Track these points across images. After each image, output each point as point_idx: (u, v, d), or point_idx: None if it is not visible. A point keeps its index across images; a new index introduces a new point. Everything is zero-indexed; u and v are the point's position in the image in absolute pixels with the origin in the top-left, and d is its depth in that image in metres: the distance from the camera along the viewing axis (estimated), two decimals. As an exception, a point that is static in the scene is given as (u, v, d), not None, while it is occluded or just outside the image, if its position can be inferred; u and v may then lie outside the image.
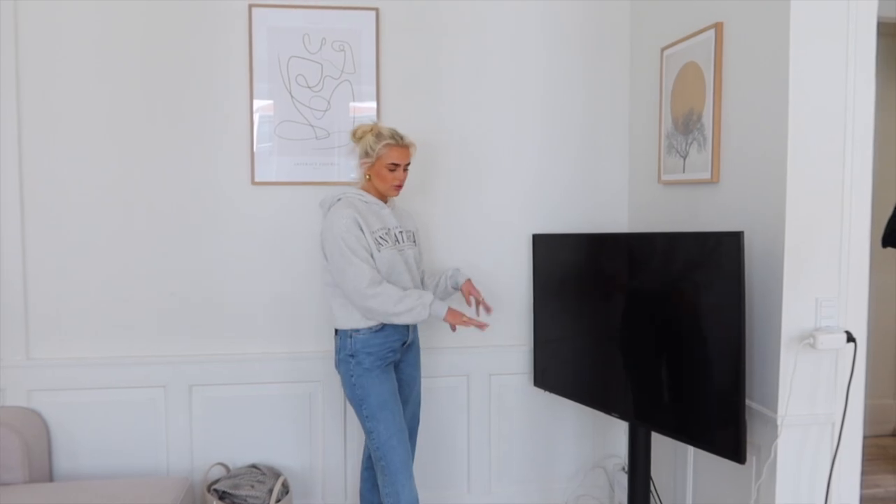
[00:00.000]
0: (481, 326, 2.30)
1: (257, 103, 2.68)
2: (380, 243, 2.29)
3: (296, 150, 2.71)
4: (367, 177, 2.37)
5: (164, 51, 2.64)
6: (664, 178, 2.58)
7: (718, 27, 2.22)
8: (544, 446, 2.97)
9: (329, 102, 2.71)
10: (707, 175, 2.28)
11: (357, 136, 2.38)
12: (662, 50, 2.57)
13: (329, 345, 2.74)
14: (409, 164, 2.39)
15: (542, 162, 2.88)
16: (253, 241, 2.73)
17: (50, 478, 2.65)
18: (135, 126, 2.65)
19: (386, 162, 2.33)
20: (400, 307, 2.22)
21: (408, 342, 2.42)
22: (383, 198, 2.42)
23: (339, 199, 2.34)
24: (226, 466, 2.71)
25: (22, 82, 2.58)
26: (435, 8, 2.77)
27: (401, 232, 2.40)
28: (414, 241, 2.47)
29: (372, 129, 2.35)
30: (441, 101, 2.80)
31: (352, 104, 2.73)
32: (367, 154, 2.34)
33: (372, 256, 2.27)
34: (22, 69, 2.58)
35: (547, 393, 2.84)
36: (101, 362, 2.68)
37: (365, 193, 2.37)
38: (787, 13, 1.90)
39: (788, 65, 1.90)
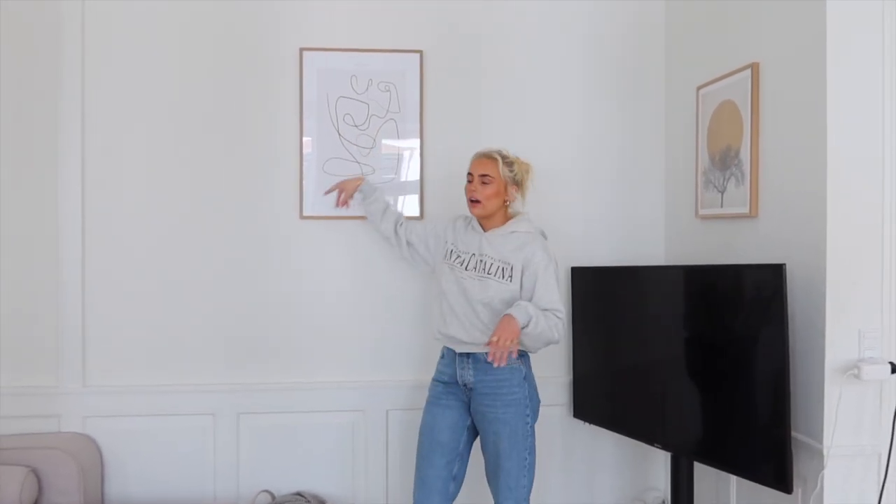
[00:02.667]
0: None
1: (306, 140, 2.81)
2: (447, 257, 2.42)
3: (343, 185, 2.82)
4: None
5: (219, 91, 2.78)
6: (702, 212, 2.63)
7: (755, 67, 2.29)
8: (583, 478, 2.98)
9: (375, 140, 2.83)
10: (745, 209, 2.33)
11: None
12: (698, 88, 2.65)
13: (372, 375, 2.84)
14: (486, 175, 2.33)
15: (578, 196, 2.94)
16: (300, 272, 2.83)
17: (102, 502, 2.72)
18: (190, 162, 2.78)
19: (467, 174, 2.42)
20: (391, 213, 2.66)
21: (461, 383, 2.35)
22: (489, 225, 2.40)
23: None
24: (271, 494, 2.76)
25: (87, 119, 2.73)
26: (476, 50, 2.88)
27: (482, 261, 2.33)
28: (504, 276, 2.29)
29: None
30: (482, 138, 2.86)
31: (395, 142, 2.84)
32: None
33: (425, 260, 2.56)
34: (87, 110, 2.73)
35: (585, 424, 2.87)
36: (153, 390, 2.77)
37: (475, 219, 2.44)
38: (824, 53, 1.97)
39: (826, 102, 1.96)
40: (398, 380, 2.86)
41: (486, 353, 2.25)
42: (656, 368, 2.45)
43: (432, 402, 2.42)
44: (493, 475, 2.32)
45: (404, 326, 2.86)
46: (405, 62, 2.83)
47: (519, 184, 2.39)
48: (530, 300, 2.26)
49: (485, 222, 2.41)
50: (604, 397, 2.72)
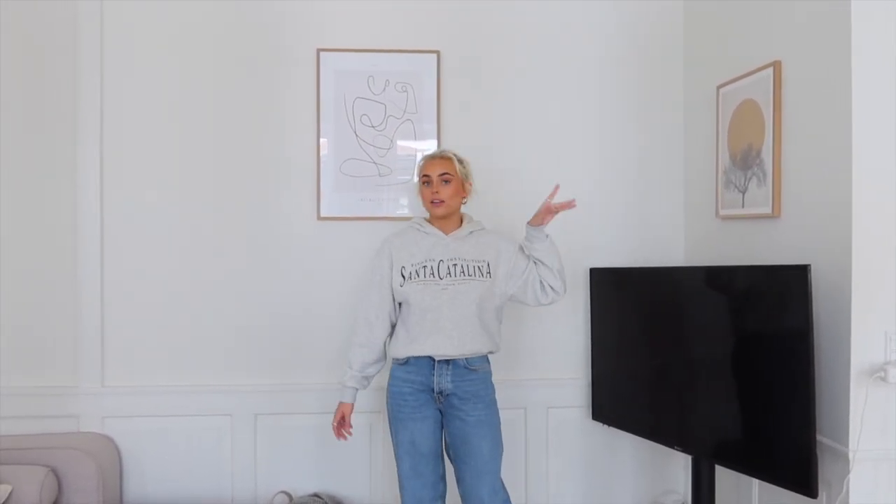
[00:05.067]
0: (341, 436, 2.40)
1: (323, 142, 2.81)
2: (409, 278, 2.29)
3: (360, 186, 2.81)
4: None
5: (236, 93, 2.79)
6: (722, 212, 2.60)
7: (777, 65, 2.26)
8: (602, 481, 2.95)
9: (392, 141, 2.82)
10: (768, 209, 2.30)
11: None
12: (718, 87, 2.62)
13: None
14: (446, 174, 2.32)
15: (596, 196, 2.92)
16: (318, 274, 2.83)
17: (120, 502, 2.74)
18: (207, 163, 2.79)
19: (420, 176, 2.36)
20: (348, 357, 2.40)
21: (437, 391, 2.31)
22: (448, 227, 2.38)
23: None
24: (289, 495, 2.76)
25: (105, 121, 2.75)
26: (493, 50, 2.87)
27: (454, 265, 2.31)
28: (483, 274, 2.32)
29: None
30: (499, 138, 2.88)
31: (412, 143, 2.83)
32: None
33: (392, 289, 2.34)
34: (105, 112, 2.75)
35: (603, 427, 2.84)
36: (171, 390, 2.78)
37: (425, 223, 2.39)
38: (848, 50, 1.94)
39: (851, 100, 1.93)
40: (415, 381, 2.85)
41: (465, 359, 2.30)
42: (676, 370, 2.43)
43: (407, 418, 2.31)
44: (476, 479, 2.29)
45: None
46: (422, 62, 2.82)
47: (470, 180, 2.40)
48: (519, 281, 2.36)
49: (444, 225, 2.37)
50: (623, 399, 2.69)
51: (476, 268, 2.33)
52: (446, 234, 2.36)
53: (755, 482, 2.41)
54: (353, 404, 2.40)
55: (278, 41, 2.80)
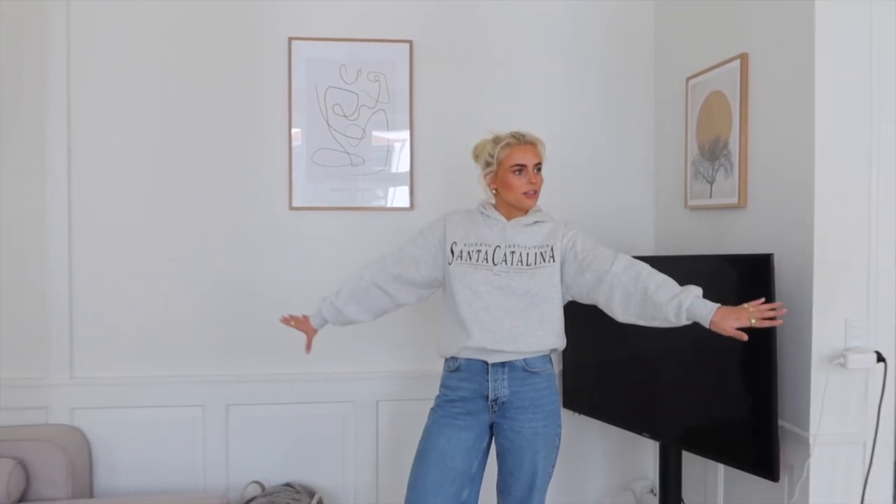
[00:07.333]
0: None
1: (295, 131, 2.79)
2: (460, 257, 2.10)
3: (332, 176, 2.80)
4: (494, 191, 2.14)
5: (207, 82, 2.76)
6: (691, 202, 2.64)
7: (744, 58, 2.30)
8: (572, 469, 2.99)
9: (364, 130, 2.82)
10: (734, 200, 2.34)
11: (476, 152, 2.19)
12: (687, 79, 2.65)
13: (360, 366, 2.83)
14: (539, 164, 2.12)
15: (567, 186, 2.93)
16: (291, 264, 2.82)
17: (90, 494, 2.71)
18: (178, 153, 2.76)
19: (508, 165, 2.07)
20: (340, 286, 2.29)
21: (490, 398, 2.07)
22: (512, 214, 2.15)
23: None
24: (261, 485, 2.76)
25: (72, 106, 2.71)
26: (466, 40, 2.87)
27: (511, 252, 2.08)
28: (545, 259, 2.09)
29: (492, 139, 2.14)
30: (472, 128, 2.82)
31: (385, 133, 2.83)
32: (487, 164, 2.12)
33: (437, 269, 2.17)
34: (73, 94, 2.70)
35: (574, 415, 2.87)
36: (142, 381, 2.76)
37: (489, 208, 2.17)
38: (812, 43, 1.97)
39: (814, 92, 1.97)
40: (388, 370, 2.86)
41: (523, 360, 2.08)
42: (645, 358, 2.46)
43: (445, 424, 2.09)
44: (525, 496, 2.10)
45: (393, 317, 2.82)
46: (395, 52, 2.81)
47: None
48: (585, 270, 2.09)
49: (508, 211, 2.16)
50: (593, 388, 2.73)
51: (538, 255, 2.09)
52: (508, 220, 2.16)
53: (721, 467, 2.46)
54: (315, 330, 2.31)
55: (249, 29, 2.77)
